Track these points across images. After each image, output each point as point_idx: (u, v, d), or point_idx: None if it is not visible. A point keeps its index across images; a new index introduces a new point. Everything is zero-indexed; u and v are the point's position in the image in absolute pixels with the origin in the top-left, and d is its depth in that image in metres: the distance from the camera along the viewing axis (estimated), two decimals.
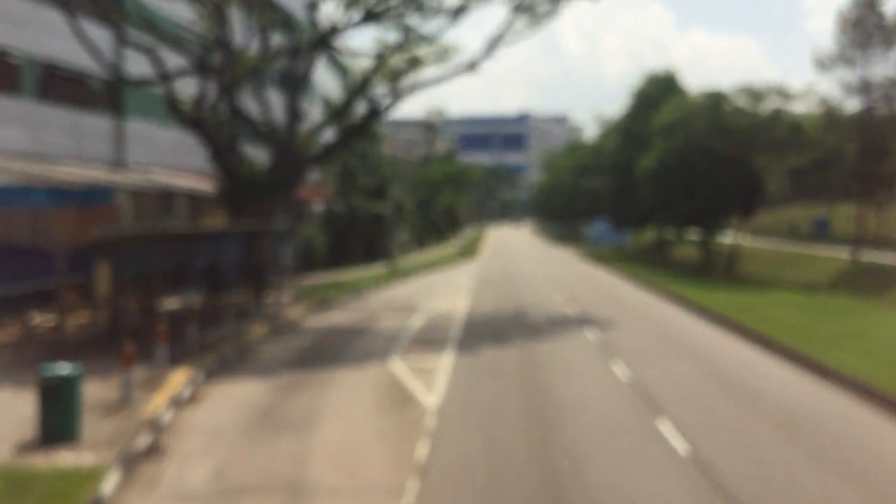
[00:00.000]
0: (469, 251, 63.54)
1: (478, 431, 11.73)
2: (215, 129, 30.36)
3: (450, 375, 15.77)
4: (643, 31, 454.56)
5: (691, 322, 24.30)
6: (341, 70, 57.33)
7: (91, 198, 25.12)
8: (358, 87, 30.55)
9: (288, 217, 29.06)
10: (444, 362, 17.20)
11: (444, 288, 34.38)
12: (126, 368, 12.61)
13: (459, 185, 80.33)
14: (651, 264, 48.16)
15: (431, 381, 15.25)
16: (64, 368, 10.65)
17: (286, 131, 30.55)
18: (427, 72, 29.91)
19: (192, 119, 28.27)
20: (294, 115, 30.11)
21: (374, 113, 30.26)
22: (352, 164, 47.31)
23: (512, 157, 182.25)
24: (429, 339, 20.32)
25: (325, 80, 56.10)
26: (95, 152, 30.89)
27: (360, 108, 32.33)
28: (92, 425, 11.15)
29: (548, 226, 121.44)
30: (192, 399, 13.70)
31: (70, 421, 10.51)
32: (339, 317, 24.86)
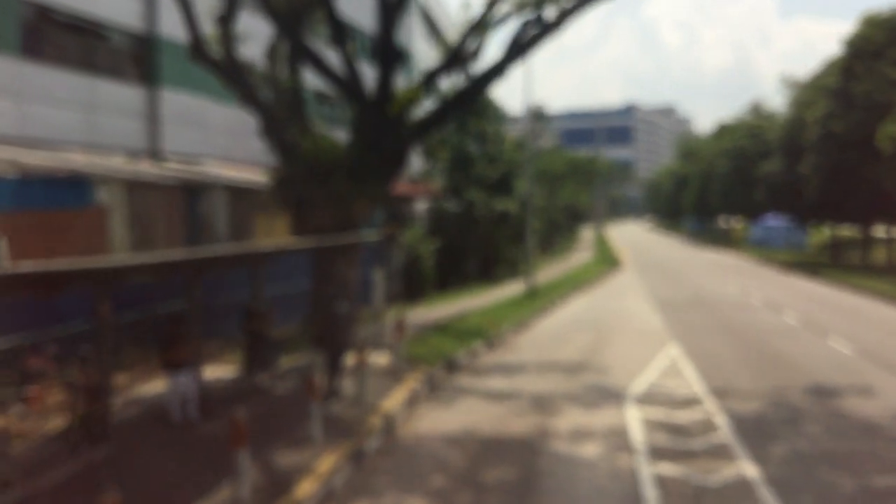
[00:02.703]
0: (608, 258, 50.98)
1: None
2: (270, 83, 19.82)
3: None
4: (744, 20, 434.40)
5: None
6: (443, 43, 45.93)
7: (39, 196, 14.59)
8: (484, 17, 19.00)
9: (382, 222, 17.82)
10: None
11: (621, 325, 22.36)
12: None
13: (588, 178, 67.63)
14: (888, 275, 34.41)
15: None
16: None
17: (378, 87, 19.45)
18: None
19: (224, 65, 17.69)
20: (389, 55, 18.85)
21: (518, 49, 18.60)
22: (467, 147, 35.87)
23: (617, 152, 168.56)
24: None
25: (426, 55, 44.83)
26: (118, 136, 20.89)
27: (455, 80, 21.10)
28: None
29: (674, 223, 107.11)
30: None
31: None
32: (475, 407, 13.23)
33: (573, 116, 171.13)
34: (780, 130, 45.33)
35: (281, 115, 19.42)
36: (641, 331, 21.07)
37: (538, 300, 26.96)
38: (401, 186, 34.63)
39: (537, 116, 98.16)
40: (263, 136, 19.38)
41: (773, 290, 31.25)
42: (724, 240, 69.18)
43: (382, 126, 19.18)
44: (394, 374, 14.62)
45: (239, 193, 21.70)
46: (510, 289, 30.94)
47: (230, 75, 17.83)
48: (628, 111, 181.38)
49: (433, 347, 17.13)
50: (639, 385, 14.40)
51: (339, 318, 13.42)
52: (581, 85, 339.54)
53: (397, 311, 23.38)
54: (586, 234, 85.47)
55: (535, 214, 30.82)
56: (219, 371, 14.54)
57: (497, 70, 18.83)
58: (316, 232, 18.96)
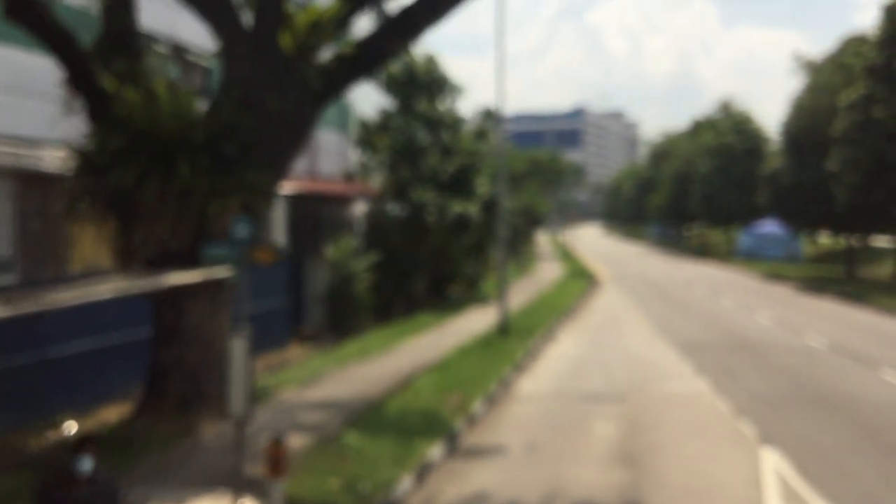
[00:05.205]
0: (580, 271, 43.62)
1: None
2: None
3: None
4: (687, 29, 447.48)
5: None
6: None
7: None
8: None
9: (252, 235, 9.69)
10: None
11: (649, 391, 14.67)
12: None
13: (551, 178, 60.27)
14: None
15: None
16: None
17: (264, 6, 11.53)
18: None
19: None
20: None
21: None
22: (415, 133, 28.00)
23: (567, 155, 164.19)
24: None
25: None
26: None
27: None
28: None
29: (634, 229, 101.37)
30: None
31: None
32: None
33: (522, 119, 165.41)
34: (791, 120, 38.08)
35: (94, 53, 11.34)
36: (689, 408, 13.41)
37: (515, 341, 19.18)
38: (330, 184, 26.55)
39: (487, 116, 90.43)
40: (66, 88, 11.31)
41: (822, 323, 23.81)
42: (699, 249, 62.41)
43: (270, 69, 11.22)
44: None
45: (42, 185, 13.42)
46: (473, 320, 23.15)
47: None
48: (578, 115, 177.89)
49: (348, 472, 9.13)
50: None
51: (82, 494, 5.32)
52: (528, 91, 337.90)
53: (303, 374, 15.28)
54: (542, 240, 78.15)
55: (503, 219, 23.30)
56: None
57: None
58: (149, 253, 10.87)
